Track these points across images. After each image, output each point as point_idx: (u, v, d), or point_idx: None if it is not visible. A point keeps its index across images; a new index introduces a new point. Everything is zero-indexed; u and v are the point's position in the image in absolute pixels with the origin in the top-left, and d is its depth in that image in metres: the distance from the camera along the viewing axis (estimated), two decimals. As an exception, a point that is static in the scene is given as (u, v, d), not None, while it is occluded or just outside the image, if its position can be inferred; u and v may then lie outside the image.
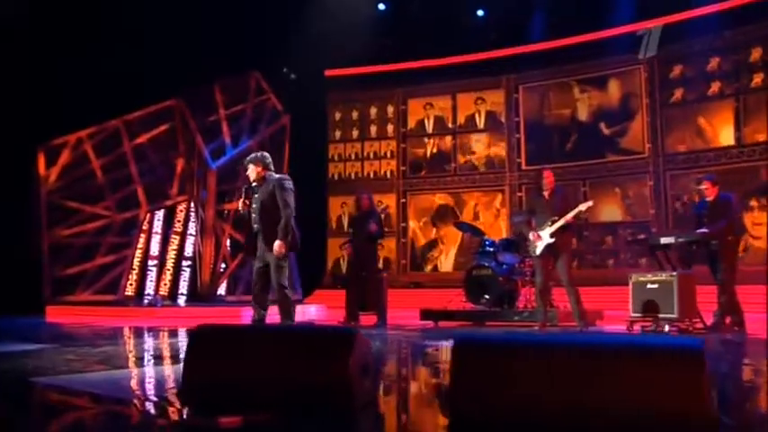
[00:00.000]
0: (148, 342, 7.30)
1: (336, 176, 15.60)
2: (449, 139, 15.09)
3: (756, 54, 11.85)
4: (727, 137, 12.22)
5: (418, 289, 14.29)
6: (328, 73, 15.49)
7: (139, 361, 5.46)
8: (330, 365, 3.12)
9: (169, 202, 13.38)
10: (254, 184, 6.29)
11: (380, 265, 11.52)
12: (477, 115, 14.90)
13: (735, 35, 12.08)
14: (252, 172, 6.25)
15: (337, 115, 15.83)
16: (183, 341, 7.02)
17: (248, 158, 6.34)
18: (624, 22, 12.96)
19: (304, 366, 3.14)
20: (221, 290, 13.26)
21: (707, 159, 12.37)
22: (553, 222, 7.10)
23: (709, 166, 12.25)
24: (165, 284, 13.12)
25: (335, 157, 15.71)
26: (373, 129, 15.61)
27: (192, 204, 13.28)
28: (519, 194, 14.31)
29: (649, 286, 7.30)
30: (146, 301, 11.76)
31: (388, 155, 15.42)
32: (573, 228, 7.40)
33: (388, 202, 15.20)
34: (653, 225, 12.79)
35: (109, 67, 12.39)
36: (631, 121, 13.27)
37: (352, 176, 15.53)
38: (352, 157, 15.63)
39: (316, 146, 15.27)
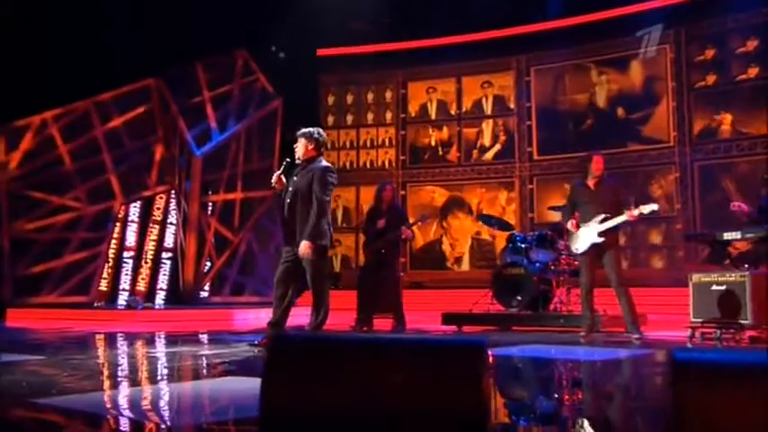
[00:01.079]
0: (150, 351, 6.55)
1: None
2: (453, 126, 14.48)
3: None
4: (763, 125, 11.77)
5: (419, 290, 13.69)
6: (321, 52, 14.77)
7: (159, 375, 4.75)
8: (460, 388, 2.49)
9: (147, 193, 12.59)
10: (297, 161, 5.75)
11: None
12: (484, 100, 14.32)
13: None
14: (300, 148, 5.72)
15: (330, 99, 15.12)
16: (188, 349, 6.29)
17: (301, 132, 5.78)
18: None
19: (424, 389, 2.51)
20: (204, 291, 12.47)
21: (740, 149, 11.94)
22: (604, 220, 6.46)
23: (741, 156, 11.88)
24: (143, 279, 12.32)
25: (328, 146, 14.85)
26: (370, 114, 14.93)
27: (174, 196, 12.49)
28: (530, 186, 13.77)
29: (714, 288, 6.70)
30: (124, 304, 10.89)
31: (387, 143, 14.77)
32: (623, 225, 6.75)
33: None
34: (678, 221, 12.35)
35: (78, 41, 11.55)
36: (655, 106, 12.77)
37: (347, 166, 14.81)
38: (347, 145, 14.94)
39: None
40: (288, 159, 5.92)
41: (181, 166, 12.22)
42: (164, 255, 12.60)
